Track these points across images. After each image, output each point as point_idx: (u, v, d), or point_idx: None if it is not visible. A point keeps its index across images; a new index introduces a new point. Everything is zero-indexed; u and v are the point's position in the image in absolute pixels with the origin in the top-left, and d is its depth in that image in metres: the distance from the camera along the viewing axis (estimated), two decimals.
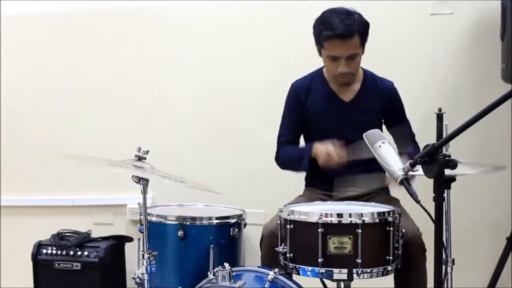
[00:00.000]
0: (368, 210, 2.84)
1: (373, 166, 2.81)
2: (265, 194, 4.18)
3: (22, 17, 4.59)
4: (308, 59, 3.46)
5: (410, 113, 3.53)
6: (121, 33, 4.51)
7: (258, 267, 2.99)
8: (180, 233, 3.22)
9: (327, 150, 3.17)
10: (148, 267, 2.79)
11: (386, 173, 2.44)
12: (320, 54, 3.33)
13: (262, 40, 4.30)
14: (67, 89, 4.56)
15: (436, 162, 2.16)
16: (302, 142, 3.54)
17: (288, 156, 3.45)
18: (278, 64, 4.24)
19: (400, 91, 3.49)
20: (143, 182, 2.77)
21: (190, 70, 4.42)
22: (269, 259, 3.03)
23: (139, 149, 2.89)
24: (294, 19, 4.16)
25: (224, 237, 3.30)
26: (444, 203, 2.23)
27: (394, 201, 3.24)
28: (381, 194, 3.35)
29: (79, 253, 4.07)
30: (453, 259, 2.82)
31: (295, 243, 2.81)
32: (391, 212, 2.81)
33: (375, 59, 3.61)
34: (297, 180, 3.55)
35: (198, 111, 4.42)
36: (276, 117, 3.54)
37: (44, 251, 4.11)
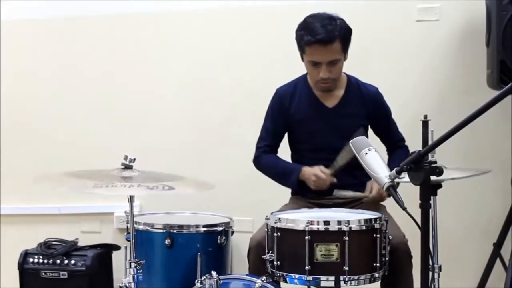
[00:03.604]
0: (355, 217, 2.83)
1: (359, 173, 2.82)
2: (253, 201, 4.18)
3: (17, 21, 4.59)
4: (297, 63, 3.44)
5: (397, 119, 3.53)
6: (113, 37, 4.52)
7: (246, 275, 2.99)
8: (167, 241, 3.21)
9: (316, 176, 3.22)
10: (135, 276, 2.79)
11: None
12: (303, 60, 3.33)
13: (252, 43, 4.31)
14: (57, 93, 4.57)
15: (422, 169, 2.16)
16: (282, 147, 3.55)
17: (271, 168, 3.47)
18: (266, 69, 4.25)
19: (387, 96, 3.49)
20: None
21: (178, 73, 4.41)
22: (257, 269, 3.02)
23: (125, 158, 2.89)
24: (283, 22, 4.14)
25: (211, 245, 3.29)
26: (430, 209, 2.23)
27: (381, 208, 3.24)
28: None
29: (66, 261, 4.05)
30: (440, 266, 2.83)
31: (282, 251, 2.80)
32: (378, 219, 2.81)
33: (361, 64, 3.63)
34: (285, 187, 3.54)
35: (185, 117, 4.41)
36: None
37: (31, 260, 4.09)
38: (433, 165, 2.18)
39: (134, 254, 2.80)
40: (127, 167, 2.88)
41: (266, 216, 2.91)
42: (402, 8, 4.09)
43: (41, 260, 4.07)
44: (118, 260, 4.12)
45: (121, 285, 2.84)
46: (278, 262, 2.80)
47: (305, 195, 3.41)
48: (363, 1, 4.10)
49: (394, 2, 4.09)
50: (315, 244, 2.71)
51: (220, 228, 3.33)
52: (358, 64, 3.49)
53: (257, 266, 3.03)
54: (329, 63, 3.24)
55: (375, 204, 3.25)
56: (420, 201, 2.20)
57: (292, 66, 3.49)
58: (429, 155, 2.23)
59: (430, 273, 2.79)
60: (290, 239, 2.78)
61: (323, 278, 2.71)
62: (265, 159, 3.48)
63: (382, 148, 3.47)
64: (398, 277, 3.01)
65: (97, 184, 2.77)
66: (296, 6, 4.06)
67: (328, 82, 3.30)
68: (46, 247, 4.14)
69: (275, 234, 2.81)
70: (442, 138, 2.13)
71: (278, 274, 2.81)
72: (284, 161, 3.48)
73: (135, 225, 2.92)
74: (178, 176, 3.01)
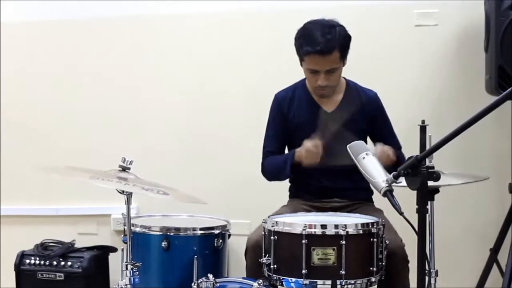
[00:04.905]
0: (352, 221, 2.84)
1: (357, 177, 2.81)
2: (250, 204, 4.17)
3: (17, 22, 4.59)
4: (295, 67, 3.44)
5: (394, 123, 3.53)
6: (112, 39, 4.51)
7: (242, 278, 2.99)
8: (164, 243, 3.21)
9: (306, 148, 3.17)
10: (132, 278, 2.78)
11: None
12: (302, 65, 3.33)
13: (248, 48, 4.31)
14: (56, 94, 4.57)
15: (419, 174, 2.17)
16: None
17: (272, 165, 3.45)
18: (264, 73, 4.24)
19: (384, 101, 3.49)
20: (127, 193, 2.77)
21: (176, 78, 4.41)
22: (255, 270, 3.02)
23: (123, 160, 2.89)
24: (282, 24, 4.14)
25: (208, 248, 3.29)
26: (427, 214, 2.23)
27: (378, 212, 3.24)
28: (365, 205, 3.35)
29: (62, 263, 4.04)
30: (437, 271, 2.82)
31: (279, 254, 2.80)
32: (375, 223, 2.81)
33: (360, 69, 3.62)
34: (282, 190, 3.55)
35: (183, 120, 4.41)
36: (262, 126, 3.54)
37: (28, 261, 4.08)
38: (430, 170, 2.18)
39: (131, 256, 2.80)
40: (124, 169, 2.88)
41: (263, 219, 2.91)
42: (400, 12, 4.09)
43: (37, 262, 4.06)
44: (115, 262, 4.10)
45: (117, 287, 2.83)
46: (275, 266, 2.80)
47: (302, 197, 3.41)
48: (362, 4, 4.10)
49: (392, 6, 4.09)
50: (312, 248, 2.71)
51: (217, 231, 3.33)
52: (356, 68, 3.49)
53: (255, 266, 3.02)
54: (328, 72, 3.24)
55: (374, 210, 3.25)
56: (417, 206, 2.20)
57: (291, 69, 3.48)
58: (427, 160, 2.24)
59: (427, 278, 2.79)
60: (287, 242, 2.78)
61: (319, 282, 2.71)
62: (266, 162, 3.47)
63: None
64: (395, 282, 3.02)
65: (93, 176, 2.77)
66: (296, 9, 4.07)
67: (325, 89, 3.31)
68: (42, 248, 4.13)
69: (272, 237, 2.80)
70: (440, 143, 2.13)
71: (275, 278, 2.81)
72: (282, 155, 3.46)
73: (132, 227, 2.92)
74: (171, 188, 3.00)
